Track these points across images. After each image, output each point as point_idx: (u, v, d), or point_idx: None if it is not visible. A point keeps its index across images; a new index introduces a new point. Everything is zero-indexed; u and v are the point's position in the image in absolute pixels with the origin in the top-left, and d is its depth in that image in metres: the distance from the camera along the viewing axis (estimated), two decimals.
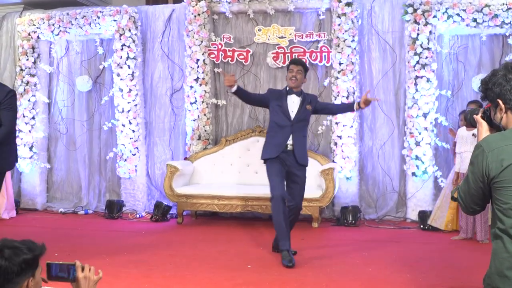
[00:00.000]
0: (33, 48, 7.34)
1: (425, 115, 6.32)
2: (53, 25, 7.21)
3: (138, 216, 6.84)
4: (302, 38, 6.73)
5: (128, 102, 7.01)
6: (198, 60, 6.86)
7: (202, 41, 6.85)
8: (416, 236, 5.77)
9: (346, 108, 5.24)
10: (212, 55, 6.92)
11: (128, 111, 7.02)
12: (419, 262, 4.62)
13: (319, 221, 6.27)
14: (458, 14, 6.21)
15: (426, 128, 6.33)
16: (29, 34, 7.31)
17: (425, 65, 6.28)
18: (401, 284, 3.98)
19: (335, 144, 6.57)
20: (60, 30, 7.22)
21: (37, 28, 7.28)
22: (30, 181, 7.42)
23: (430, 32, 6.28)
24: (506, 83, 2.01)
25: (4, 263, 1.84)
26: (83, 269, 2.11)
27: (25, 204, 7.41)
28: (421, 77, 6.29)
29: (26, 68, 7.32)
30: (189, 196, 6.35)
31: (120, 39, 6.97)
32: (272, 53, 6.83)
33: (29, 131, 7.31)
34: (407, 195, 6.52)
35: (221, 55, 6.93)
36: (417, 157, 6.35)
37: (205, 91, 6.87)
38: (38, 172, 7.42)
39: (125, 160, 7.04)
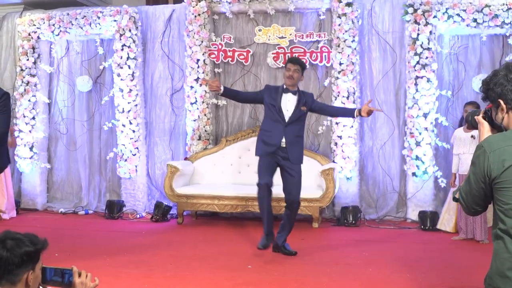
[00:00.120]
0: (33, 48, 7.33)
1: (425, 115, 6.32)
2: (53, 25, 7.21)
3: (138, 216, 6.84)
4: (303, 38, 6.73)
5: (129, 102, 7.01)
6: (198, 60, 6.86)
7: (202, 41, 6.85)
8: (416, 236, 5.77)
9: (346, 113, 5.28)
10: (213, 55, 6.92)
11: (129, 111, 7.02)
12: (419, 262, 4.63)
13: (320, 221, 6.27)
14: (458, 14, 6.21)
15: (426, 128, 6.33)
16: (29, 34, 7.31)
17: (425, 65, 6.29)
18: (401, 284, 3.98)
19: (336, 144, 6.58)
20: (60, 30, 7.21)
21: (38, 28, 7.28)
22: (31, 181, 7.42)
23: (431, 32, 6.28)
24: (507, 83, 2.01)
25: (5, 254, 1.85)
26: (80, 275, 2.10)
27: (26, 204, 7.41)
28: (422, 77, 6.29)
29: (26, 68, 7.31)
30: (190, 196, 6.35)
31: (120, 39, 6.97)
32: (273, 53, 6.84)
33: (30, 131, 7.31)
34: (407, 195, 6.52)
35: (222, 55, 6.93)
36: (417, 157, 6.35)
37: (205, 91, 6.87)
38: (39, 172, 7.42)
39: (126, 160, 7.04)
